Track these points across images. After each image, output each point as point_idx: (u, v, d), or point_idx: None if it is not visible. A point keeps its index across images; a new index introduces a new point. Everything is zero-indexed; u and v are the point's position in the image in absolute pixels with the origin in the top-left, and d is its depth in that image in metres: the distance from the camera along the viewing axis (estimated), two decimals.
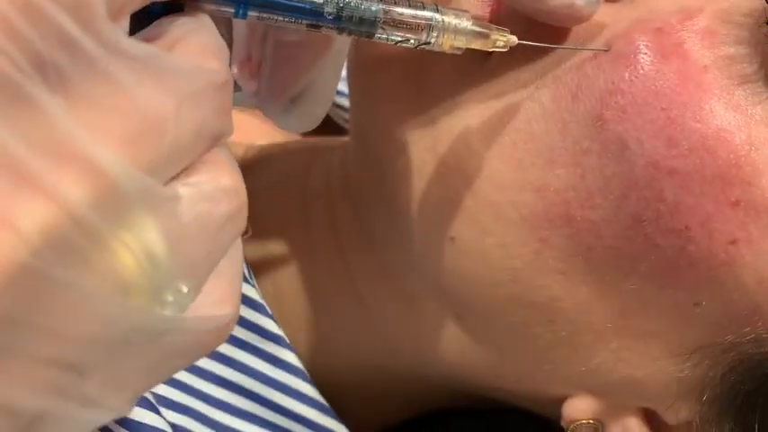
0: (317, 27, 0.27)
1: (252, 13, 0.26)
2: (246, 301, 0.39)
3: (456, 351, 0.38)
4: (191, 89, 0.22)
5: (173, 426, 0.36)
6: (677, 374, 0.34)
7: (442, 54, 0.34)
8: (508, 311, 0.35)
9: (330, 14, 0.27)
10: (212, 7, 0.25)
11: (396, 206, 0.37)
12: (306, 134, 0.50)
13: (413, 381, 0.41)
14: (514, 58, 0.33)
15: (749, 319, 0.32)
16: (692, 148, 0.31)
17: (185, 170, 0.23)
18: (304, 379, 0.39)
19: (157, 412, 0.35)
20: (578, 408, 0.37)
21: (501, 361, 0.38)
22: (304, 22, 0.27)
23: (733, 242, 0.31)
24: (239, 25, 0.33)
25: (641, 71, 0.31)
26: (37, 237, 0.19)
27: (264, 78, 0.33)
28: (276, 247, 0.42)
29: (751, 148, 0.31)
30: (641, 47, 0.31)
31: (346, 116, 0.50)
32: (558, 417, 0.38)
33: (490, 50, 0.30)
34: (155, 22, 0.24)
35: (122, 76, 0.21)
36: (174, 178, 0.23)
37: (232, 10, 0.26)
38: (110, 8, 0.21)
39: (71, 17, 0.20)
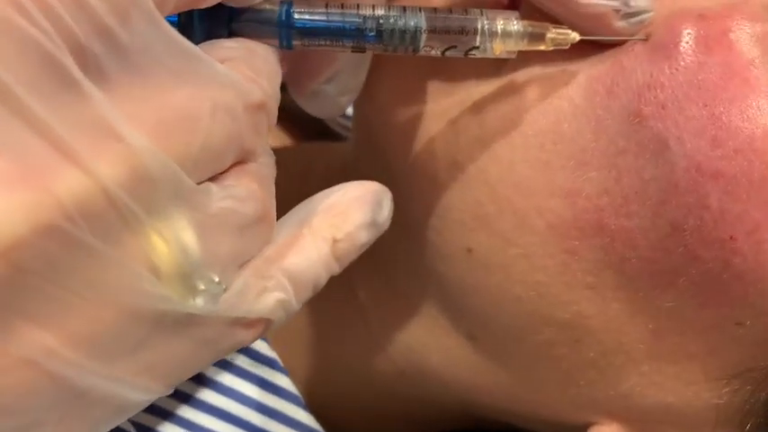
0: (362, 49, 0.28)
1: (296, 42, 0.27)
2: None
3: (468, 373, 0.35)
4: (228, 100, 0.23)
5: None
6: (715, 401, 0.32)
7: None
8: (530, 330, 0.33)
9: (371, 31, 0.27)
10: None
11: (405, 215, 0.34)
12: (302, 140, 0.48)
13: (418, 404, 0.39)
14: (538, 57, 0.31)
15: None
16: (738, 149, 0.28)
17: (215, 176, 0.24)
18: (299, 405, 0.36)
19: None
20: None
21: (518, 384, 0.35)
22: (348, 45, 0.27)
23: None
24: None
25: (682, 63, 0.29)
26: (71, 205, 0.19)
27: (293, 66, 0.31)
28: None
29: None
30: (683, 35, 0.29)
31: (344, 122, 0.48)
32: None
33: (550, 50, 0.29)
34: (208, 42, 0.25)
35: (158, 72, 0.21)
36: (204, 181, 0.23)
37: (276, 41, 0.27)
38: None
39: (108, 7, 0.20)
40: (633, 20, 0.29)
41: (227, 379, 0.35)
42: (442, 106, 0.33)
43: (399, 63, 0.33)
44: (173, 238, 0.21)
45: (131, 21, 0.21)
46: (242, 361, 0.36)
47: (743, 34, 0.29)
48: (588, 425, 0.34)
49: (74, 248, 0.20)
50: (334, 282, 0.38)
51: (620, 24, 0.29)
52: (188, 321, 0.22)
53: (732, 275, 0.29)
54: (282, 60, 0.29)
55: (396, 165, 0.34)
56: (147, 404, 0.24)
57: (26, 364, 0.20)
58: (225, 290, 0.24)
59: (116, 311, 0.21)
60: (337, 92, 0.32)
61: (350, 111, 0.46)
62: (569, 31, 0.29)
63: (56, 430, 0.22)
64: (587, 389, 0.33)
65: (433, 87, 0.33)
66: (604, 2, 0.29)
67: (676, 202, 0.29)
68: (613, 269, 0.30)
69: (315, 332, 0.39)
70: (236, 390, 0.35)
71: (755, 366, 0.31)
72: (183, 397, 0.34)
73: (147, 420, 0.33)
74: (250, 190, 0.25)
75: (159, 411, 0.34)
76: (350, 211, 0.28)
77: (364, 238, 0.28)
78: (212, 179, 0.24)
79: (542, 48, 0.29)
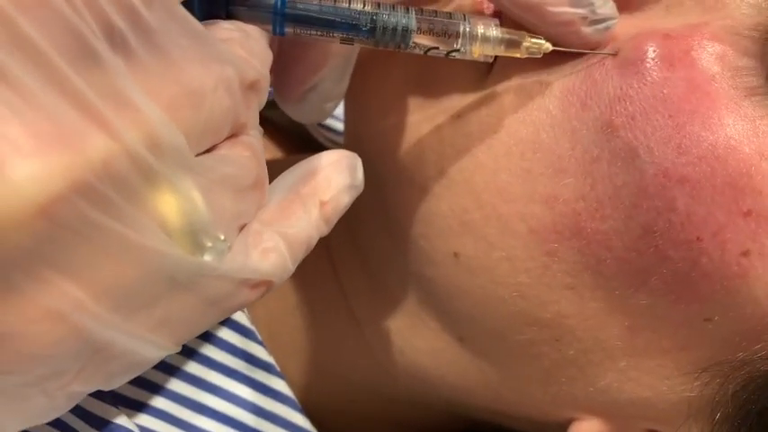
0: (350, 41, 0.29)
1: (288, 30, 0.29)
2: (235, 326, 0.37)
3: (456, 373, 0.37)
4: (227, 78, 0.25)
5: None
6: (687, 393, 0.33)
7: (444, 65, 0.34)
8: (514, 330, 0.34)
9: (364, 26, 0.29)
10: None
11: (393, 222, 0.36)
12: (290, 153, 0.49)
13: (409, 405, 0.40)
14: (518, 68, 0.33)
15: (761, 334, 0.32)
16: (702, 156, 0.30)
17: (213, 146, 0.26)
18: (295, 408, 0.38)
19: None
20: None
21: (504, 383, 0.36)
22: (337, 35, 0.29)
23: (745, 253, 0.31)
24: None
25: (648, 78, 0.31)
26: (100, 165, 0.21)
27: (279, 73, 0.33)
28: None
29: (761, 158, 0.30)
30: (649, 52, 0.31)
31: (331, 137, 0.50)
32: None
33: (524, 57, 0.31)
34: (208, 21, 0.27)
35: (173, 50, 0.23)
36: (203, 152, 0.25)
37: (269, 27, 0.28)
38: None
39: None
40: (600, 26, 0.31)
41: (224, 382, 0.36)
42: (429, 118, 0.34)
43: (387, 77, 0.35)
44: (184, 197, 0.23)
45: (154, 2, 0.23)
46: (239, 365, 0.37)
47: (704, 53, 0.31)
48: (570, 421, 0.36)
49: (103, 206, 0.21)
50: (327, 290, 0.40)
51: (588, 31, 0.31)
52: (199, 280, 0.24)
53: (700, 274, 0.31)
54: (270, 70, 0.31)
55: (385, 174, 0.35)
56: (156, 361, 0.25)
57: (54, 316, 0.21)
58: (229, 248, 0.25)
59: (135, 268, 0.22)
60: (321, 99, 0.34)
61: (334, 124, 0.48)
62: (543, 41, 0.31)
63: (75, 380, 0.23)
64: (568, 386, 0.35)
65: (420, 100, 0.35)
66: (572, 9, 0.31)
67: (646, 206, 0.31)
68: (590, 270, 0.32)
69: (309, 338, 0.40)
70: (233, 393, 0.36)
71: (723, 360, 0.32)
72: (181, 399, 0.35)
73: (147, 422, 0.34)
74: (244, 158, 0.26)
75: (159, 413, 0.35)
76: (332, 176, 0.29)
77: (346, 199, 0.30)
78: (210, 149, 0.26)
79: (517, 55, 0.31)
